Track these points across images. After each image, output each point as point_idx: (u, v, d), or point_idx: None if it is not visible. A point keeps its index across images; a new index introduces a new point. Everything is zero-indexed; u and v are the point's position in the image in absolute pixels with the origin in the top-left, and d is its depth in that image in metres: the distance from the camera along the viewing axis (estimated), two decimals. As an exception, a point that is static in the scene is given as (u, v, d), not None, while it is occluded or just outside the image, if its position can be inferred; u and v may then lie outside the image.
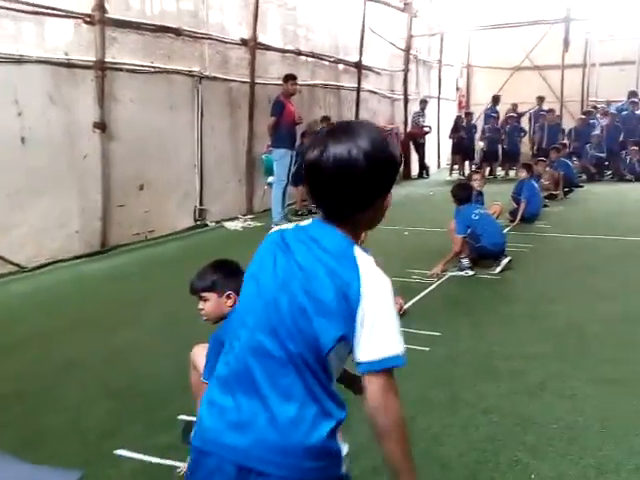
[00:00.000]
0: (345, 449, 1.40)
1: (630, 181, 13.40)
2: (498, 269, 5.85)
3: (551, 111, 14.68)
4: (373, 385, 1.32)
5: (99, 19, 6.88)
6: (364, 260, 1.34)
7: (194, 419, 1.51)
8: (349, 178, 1.32)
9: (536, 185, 8.81)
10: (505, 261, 5.90)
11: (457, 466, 2.62)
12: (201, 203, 8.76)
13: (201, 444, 1.37)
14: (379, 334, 1.30)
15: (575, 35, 14.75)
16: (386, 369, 1.32)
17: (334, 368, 1.37)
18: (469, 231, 5.78)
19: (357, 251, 1.35)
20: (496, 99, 15.81)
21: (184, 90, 8.38)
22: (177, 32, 8.10)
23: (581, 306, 4.83)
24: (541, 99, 15.23)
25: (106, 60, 7.03)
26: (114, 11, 7.11)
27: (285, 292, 1.34)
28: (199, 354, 2.67)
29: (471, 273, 5.78)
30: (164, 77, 8.00)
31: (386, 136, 1.40)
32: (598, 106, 15.43)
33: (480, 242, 5.83)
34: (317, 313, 1.31)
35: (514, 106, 15.64)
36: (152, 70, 7.78)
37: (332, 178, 1.33)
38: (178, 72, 8.21)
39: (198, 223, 8.69)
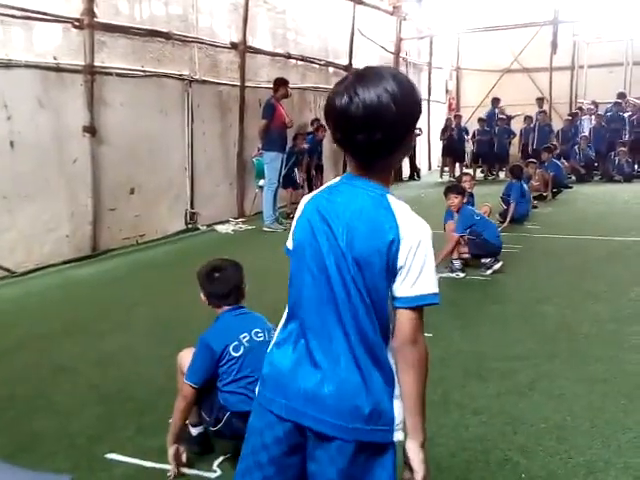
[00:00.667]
0: (399, 416, 1.46)
1: (619, 182, 13.51)
2: (489, 272, 5.88)
3: (543, 112, 14.79)
4: (406, 320, 1.42)
5: (88, 23, 6.87)
6: (399, 207, 1.42)
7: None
8: (381, 122, 1.34)
9: (525, 186, 8.88)
10: (497, 266, 5.92)
11: (449, 466, 2.63)
12: (192, 206, 8.75)
13: (264, 400, 1.50)
14: (416, 274, 1.40)
15: (563, 37, 14.86)
16: (420, 306, 1.43)
17: (390, 326, 1.45)
18: (468, 231, 5.84)
19: (391, 199, 1.43)
20: (496, 101, 15.89)
21: (174, 94, 8.38)
22: (167, 36, 8.10)
23: (571, 306, 4.86)
24: (541, 100, 15.28)
25: (95, 64, 7.02)
26: (103, 15, 7.11)
27: (331, 254, 1.41)
28: (186, 358, 2.67)
29: (462, 275, 5.82)
30: (154, 81, 8.00)
31: (409, 78, 1.45)
32: (584, 107, 15.55)
33: (483, 236, 5.91)
34: (364, 267, 1.38)
35: (501, 109, 15.76)
36: (142, 74, 7.78)
37: (364, 124, 1.35)
38: (168, 76, 8.21)
39: (189, 227, 8.68)
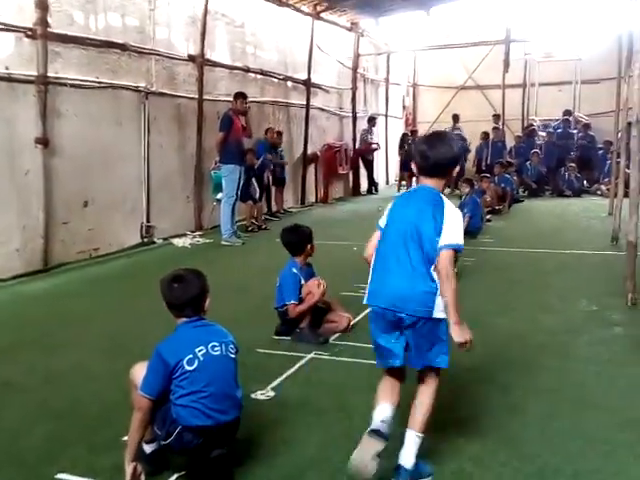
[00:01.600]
0: (441, 305, 2.56)
1: (569, 196, 13.95)
2: None
3: (496, 128, 15.17)
4: (445, 256, 2.53)
5: (41, 33, 6.76)
6: (445, 200, 2.65)
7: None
8: (443, 161, 2.68)
9: (478, 200, 9.07)
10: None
11: None
12: (148, 220, 8.63)
13: (375, 306, 2.67)
14: (452, 233, 2.56)
15: (515, 56, 15.30)
16: (453, 248, 2.55)
17: (435, 259, 2.56)
18: None
19: (442, 196, 2.67)
20: (456, 117, 16.24)
21: (130, 105, 8.29)
22: (123, 47, 8.02)
23: (523, 318, 4.98)
24: (497, 117, 15.68)
25: (49, 75, 6.91)
26: (57, 25, 7.00)
27: (411, 223, 2.61)
28: (139, 372, 2.63)
29: None
30: (110, 92, 7.90)
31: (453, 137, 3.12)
32: (534, 124, 16.05)
33: None
34: (423, 229, 2.57)
35: (455, 126, 16.10)
36: (97, 85, 7.68)
37: (435, 162, 2.67)
38: (124, 87, 8.12)
39: (145, 240, 8.56)
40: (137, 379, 2.62)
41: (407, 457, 2.58)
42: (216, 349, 2.65)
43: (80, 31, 7.42)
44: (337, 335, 4.50)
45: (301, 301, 4.42)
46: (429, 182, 2.70)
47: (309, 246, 4.59)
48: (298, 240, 4.58)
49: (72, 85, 7.31)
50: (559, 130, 15.34)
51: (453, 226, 2.56)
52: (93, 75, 7.62)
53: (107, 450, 2.88)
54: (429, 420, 2.63)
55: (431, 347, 2.61)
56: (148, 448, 2.69)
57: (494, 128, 15.20)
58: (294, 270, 4.51)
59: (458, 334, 2.53)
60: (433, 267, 2.55)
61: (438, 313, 2.56)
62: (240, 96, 8.81)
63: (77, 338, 4.65)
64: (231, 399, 2.67)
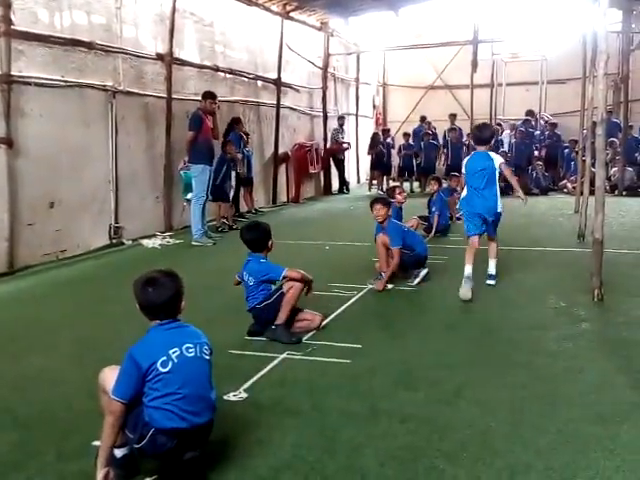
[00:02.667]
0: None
1: (536, 195, 14.17)
2: (417, 280, 6.00)
3: (453, 130, 15.37)
4: (504, 168, 5.73)
5: (4, 31, 6.61)
6: (494, 154, 5.81)
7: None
8: (488, 138, 5.97)
9: (445, 198, 9.14)
10: (423, 273, 6.07)
11: (377, 476, 2.66)
12: (116, 221, 8.50)
13: (472, 209, 5.70)
14: (500, 160, 5.73)
15: (483, 56, 15.50)
16: (504, 163, 5.82)
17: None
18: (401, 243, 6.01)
19: (491, 153, 5.80)
20: (423, 118, 16.57)
21: (97, 105, 8.16)
22: (89, 46, 7.89)
23: (493, 315, 5.04)
24: (453, 116, 15.92)
25: (12, 73, 6.76)
26: (21, 23, 6.86)
27: (480, 167, 5.65)
28: (108, 376, 2.60)
29: (390, 286, 5.91)
30: (76, 91, 7.76)
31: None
32: (502, 124, 16.29)
33: (415, 250, 6.09)
34: (489, 170, 5.62)
35: (428, 124, 16.29)
36: (63, 84, 7.53)
37: (485, 138, 5.88)
38: (91, 86, 7.98)
39: (114, 241, 8.43)
40: (107, 384, 2.58)
41: (492, 269, 5.95)
42: (190, 350, 2.63)
43: (45, 29, 7.26)
44: (310, 335, 4.49)
45: (281, 296, 4.43)
46: (481, 148, 5.77)
47: (270, 242, 4.63)
48: (261, 236, 4.59)
49: (37, 84, 7.15)
50: (521, 129, 15.61)
51: (499, 158, 5.73)
52: (58, 74, 7.47)
53: (77, 457, 2.83)
54: (498, 253, 5.87)
55: (495, 227, 5.86)
56: (119, 452, 2.64)
57: (451, 129, 15.39)
58: (262, 260, 4.54)
59: (522, 195, 5.95)
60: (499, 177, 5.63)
61: (499, 209, 5.67)
62: (209, 96, 8.71)
63: (44, 343, 4.55)
64: (205, 401, 2.65)
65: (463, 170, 5.80)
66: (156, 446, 2.52)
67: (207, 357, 2.71)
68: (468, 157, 5.87)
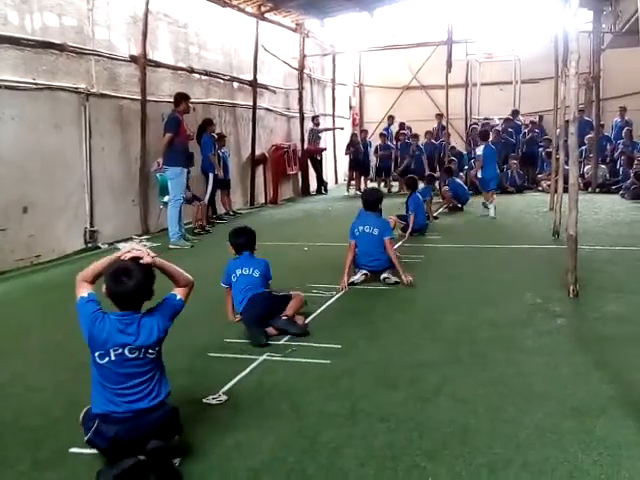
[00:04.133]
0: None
1: (512, 193, 14.32)
2: (393, 279, 5.99)
3: (429, 132, 15.66)
4: None
5: (-27, 33, 6.48)
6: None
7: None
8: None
9: (420, 197, 9.19)
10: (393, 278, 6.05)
11: (358, 476, 2.65)
12: (92, 225, 8.40)
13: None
14: None
15: (457, 57, 15.62)
16: None
17: None
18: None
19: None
20: (390, 118, 16.75)
21: (70, 108, 8.05)
22: (61, 48, 7.79)
23: (470, 312, 5.06)
24: (440, 116, 16.04)
25: (-18, 76, 6.63)
26: (-10, 24, 6.73)
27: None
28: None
29: (364, 271, 6.05)
30: (48, 94, 7.65)
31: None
32: (479, 123, 16.44)
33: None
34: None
35: (402, 125, 16.39)
36: (34, 87, 7.42)
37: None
38: (63, 89, 7.87)
39: (89, 245, 8.32)
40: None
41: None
42: (133, 351, 2.64)
43: (15, 31, 7.15)
44: (288, 336, 4.47)
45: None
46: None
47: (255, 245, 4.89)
48: (250, 240, 4.82)
49: (7, 87, 7.04)
50: (497, 129, 15.80)
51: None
52: (29, 76, 7.36)
53: (52, 465, 2.77)
54: None
55: None
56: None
57: (428, 132, 15.67)
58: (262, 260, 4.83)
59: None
60: None
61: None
62: (187, 97, 8.69)
63: (18, 348, 4.47)
64: (144, 392, 2.66)
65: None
66: (103, 436, 2.56)
67: (151, 357, 2.70)
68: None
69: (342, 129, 16.31)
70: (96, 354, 2.61)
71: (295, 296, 4.69)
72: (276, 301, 4.62)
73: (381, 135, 16.25)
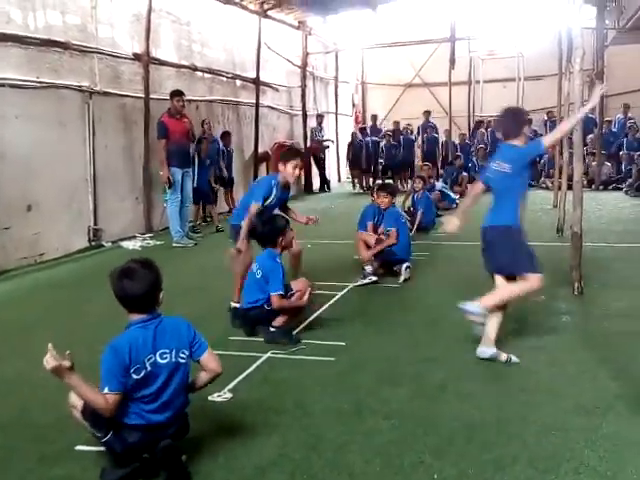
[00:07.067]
0: None
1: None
2: (402, 278, 6.00)
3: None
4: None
5: (-24, 31, 6.49)
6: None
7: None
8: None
9: (430, 195, 9.19)
10: (404, 267, 6.04)
11: (363, 473, 2.65)
12: (95, 223, 8.40)
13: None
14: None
15: (460, 54, 15.61)
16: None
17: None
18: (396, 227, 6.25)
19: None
20: (374, 117, 17.33)
21: (74, 105, 8.05)
22: (64, 46, 7.78)
23: (475, 309, 5.05)
24: (428, 113, 16.04)
25: (-14, 74, 6.63)
26: (-7, 23, 6.74)
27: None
28: (72, 396, 2.62)
29: (374, 278, 5.92)
30: (52, 92, 7.65)
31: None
32: (485, 121, 16.42)
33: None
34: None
35: (396, 123, 16.36)
36: (38, 85, 7.42)
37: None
38: (67, 87, 7.87)
39: (93, 244, 8.32)
40: (75, 399, 2.60)
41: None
42: (165, 356, 2.59)
43: (18, 29, 7.15)
44: (294, 332, 4.47)
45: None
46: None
47: (281, 239, 4.54)
48: (269, 232, 4.51)
49: (11, 85, 7.03)
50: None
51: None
52: (33, 75, 7.36)
53: (59, 461, 2.79)
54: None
55: None
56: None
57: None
58: (278, 260, 4.47)
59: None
60: None
61: None
62: (175, 94, 8.45)
63: (23, 347, 4.47)
64: (171, 404, 2.62)
65: None
66: (124, 441, 2.53)
67: (183, 360, 2.64)
68: None
69: (332, 142, 16.28)
70: (132, 370, 2.54)
71: (295, 295, 4.43)
72: (267, 314, 4.36)
73: (386, 132, 16.23)
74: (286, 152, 5.11)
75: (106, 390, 2.47)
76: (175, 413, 2.64)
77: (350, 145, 15.73)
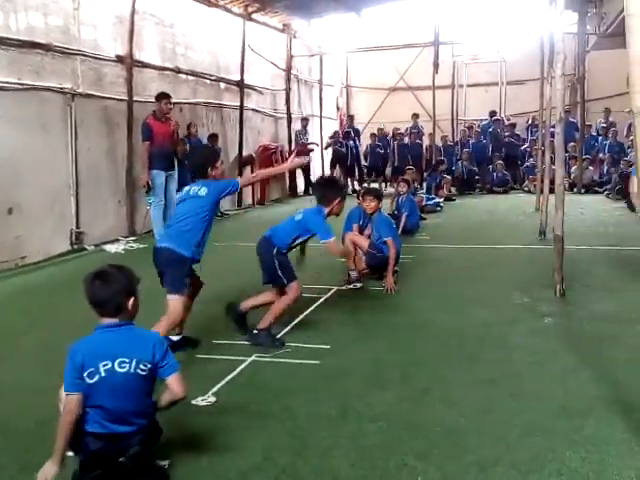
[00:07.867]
0: None
1: (498, 193, 14.42)
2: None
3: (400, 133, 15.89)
4: None
5: (-43, 32, 6.41)
6: None
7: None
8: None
9: (414, 199, 9.24)
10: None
11: (348, 476, 2.65)
12: (78, 226, 8.32)
13: None
14: None
15: (444, 58, 15.71)
16: None
17: None
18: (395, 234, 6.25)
19: None
20: (350, 118, 17.38)
21: (56, 108, 7.98)
22: (46, 47, 7.72)
23: (459, 312, 5.09)
24: (416, 116, 16.13)
25: (-34, 76, 6.55)
26: (-26, 24, 6.66)
27: None
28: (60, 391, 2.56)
29: (359, 285, 5.93)
30: (33, 94, 7.58)
31: None
32: (473, 125, 16.59)
33: (385, 253, 6.05)
34: None
35: (380, 130, 16.42)
36: (20, 87, 7.34)
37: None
38: (49, 89, 7.80)
39: (75, 247, 8.25)
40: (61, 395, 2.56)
41: None
42: (123, 365, 2.50)
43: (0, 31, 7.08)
44: (278, 336, 4.45)
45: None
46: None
47: (336, 201, 4.63)
48: (329, 190, 4.71)
49: (-8, 87, 6.97)
50: (490, 130, 15.90)
51: None
52: (14, 77, 7.28)
53: (40, 468, 2.74)
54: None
55: None
56: None
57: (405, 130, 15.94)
58: (324, 215, 4.60)
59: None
60: None
61: None
62: (163, 97, 8.44)
63: (5, 353, 4.42)
64: (132, 414, 2.56)
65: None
66: (85, 447, 2.50)
67: (143, 373, 2.54)
68: None
69: (317, 145, 16.25)
70: (85, 374, 2.51)
71: (282, 298, 4.41)
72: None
73: (372, 135, 16.28)
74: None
75: (63, 390, 2.49)
76: (139, 427, 2.56)
77: (331, 145, 15.76)
